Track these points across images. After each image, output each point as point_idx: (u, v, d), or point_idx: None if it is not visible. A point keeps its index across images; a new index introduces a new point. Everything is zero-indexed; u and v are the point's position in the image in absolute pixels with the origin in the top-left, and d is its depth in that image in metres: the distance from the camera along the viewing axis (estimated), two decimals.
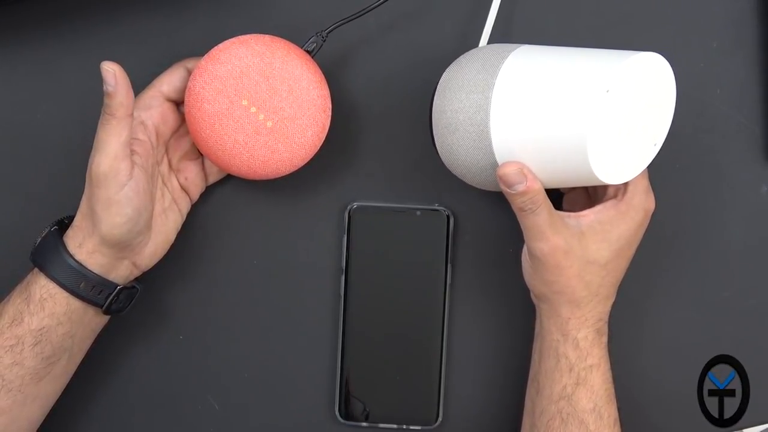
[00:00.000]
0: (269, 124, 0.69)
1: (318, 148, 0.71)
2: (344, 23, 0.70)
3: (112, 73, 0.64)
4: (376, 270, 0.75)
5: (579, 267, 0.66)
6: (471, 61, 0.66)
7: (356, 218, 0.75)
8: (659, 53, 0.63)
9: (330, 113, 0.70)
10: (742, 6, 0.75)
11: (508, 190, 0.65)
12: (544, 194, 0.65)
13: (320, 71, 0.70)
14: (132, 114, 0.65)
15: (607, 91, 0.60)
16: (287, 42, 0.70)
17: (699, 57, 0.75)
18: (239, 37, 0.69)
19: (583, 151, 0.60)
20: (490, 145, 0.65)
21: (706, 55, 0.75)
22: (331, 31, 0.70)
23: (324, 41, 0.70)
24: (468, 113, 0.65)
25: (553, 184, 0.65)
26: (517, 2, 0.75)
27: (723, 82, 0.76)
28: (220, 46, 0.69)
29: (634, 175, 0.65)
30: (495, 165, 0.65)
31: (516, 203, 0.65)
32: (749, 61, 0.75)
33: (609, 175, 0.63)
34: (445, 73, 0.68)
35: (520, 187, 0.64)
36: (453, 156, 0.67)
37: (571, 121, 0.61)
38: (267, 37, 0.69)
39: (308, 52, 0.70)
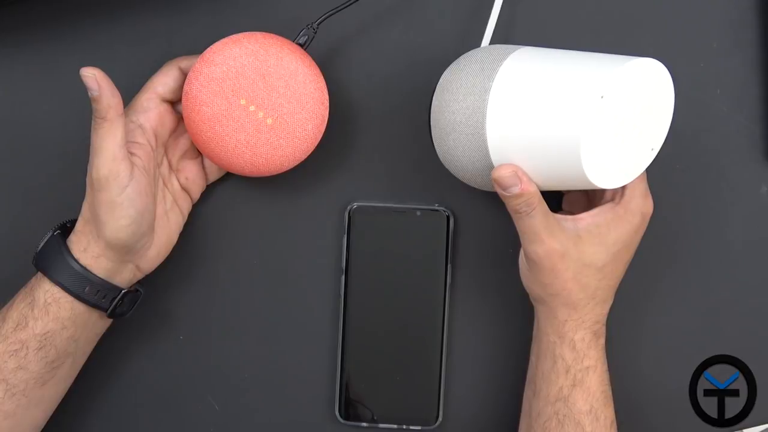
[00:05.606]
0: (269, 121, 0.68)
1: (319, 140, 0.71)
2: (334, 13, 0.70)
3: (93, 77, 0.63)
4: (376, 270, 0.75)
5: (575, 270, 0.66)
6: (469, 63, 0.66)
7: (356, 218, 0.75)
8: (659, 54, 0.63)
9: (328, 104, 0.70)
10: (742, 6, 0.75)
11: (503, 193, 0.65)
12: (539, 197, 0.65)
13: (315, 63, 0.70)
14: (123, 114, 0.65)
15: (602, 96, 0.60)
16: (279, 37, 0.69)
17: (699, 57, 0.75)
18: (231, 36, 0.69)
19: (577, 155, 0.61)
20: (486, 147, 0.65)
21: (706, 55, 0.75)
22: (321, 22, 0.70)
23: (315, 33, 0.70)
24: (465, 115, 0.65)
25: (549, 187, 0.65)
26: (518, 2, 0.74)
27: (723, 82, 0.75)
28: (213, 47, 0.69)
29: (630, 180, 0.65)
30: (491, 167, 0.65)
31: (511, 206, 0.65)
32: (749, 61, 0.75)
33: (603, 180, 0.63)
34: (443, 75, 0.68)
35: (515, 190, 0.64)
36: (450, 157, 0.67)
37: (565, 125, 0.61)
38: (259, 35, 0.69)
39: (301, 45, 0.70)
